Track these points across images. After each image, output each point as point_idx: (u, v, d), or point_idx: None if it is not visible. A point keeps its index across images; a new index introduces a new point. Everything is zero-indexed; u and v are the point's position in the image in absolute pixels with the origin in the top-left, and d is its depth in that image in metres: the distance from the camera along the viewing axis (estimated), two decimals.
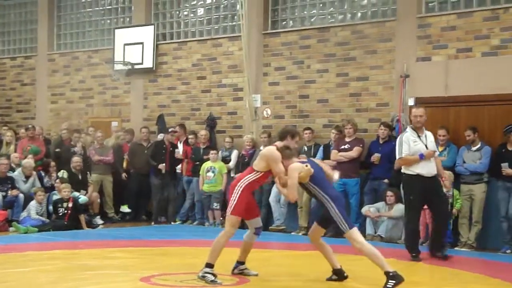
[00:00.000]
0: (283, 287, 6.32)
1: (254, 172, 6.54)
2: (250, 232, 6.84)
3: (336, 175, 6.85)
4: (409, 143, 8.25)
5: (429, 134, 8.41)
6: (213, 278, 6.35)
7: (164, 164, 12.13)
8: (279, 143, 6.64)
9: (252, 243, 6.86)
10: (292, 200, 6.70)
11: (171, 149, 12.28)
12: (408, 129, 8.44)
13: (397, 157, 8.39)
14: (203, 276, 6.35)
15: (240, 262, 6.88)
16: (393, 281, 6.08)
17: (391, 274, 6.11)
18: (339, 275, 6.66)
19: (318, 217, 6.84)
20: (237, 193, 6.47)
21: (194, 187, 12.23)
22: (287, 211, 11.23)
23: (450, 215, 8.98)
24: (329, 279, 6.68)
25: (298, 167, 6.33)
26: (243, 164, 11.58)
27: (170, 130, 12.44)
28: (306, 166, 6.36)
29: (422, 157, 8.15)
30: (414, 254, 8.31)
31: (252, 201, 6.75)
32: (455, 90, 10.45)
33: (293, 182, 6.32)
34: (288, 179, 6.34)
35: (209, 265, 6.43)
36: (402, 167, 8.40)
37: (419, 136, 8.27)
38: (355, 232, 6.31)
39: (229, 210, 6.56)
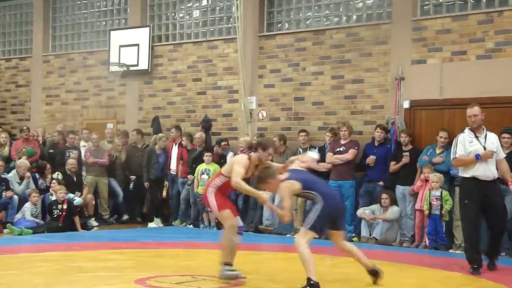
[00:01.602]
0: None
1: (221, 176, 6.67)
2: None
3: (314, 155, 7.02)
4: (464, 144, 7.74)
5: (490, 135, 7.83)
6: (235, 273, 6.50)
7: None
8: (253, 154, 6.65)
9: (236, 243, 6.81)
10: (286, 222, 6.63)
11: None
12: (466, 130, 7.93)
13: (451, 157, 8.02)
14: (225, 275, 6.33)
15: (228, 263, 6.79)
16: None
17: (312, 282, 6.00)
18: (374, 274, 6.59)
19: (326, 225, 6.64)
20: (211, 196, 6.63)
21: (189, 189, 12.23)
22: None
23: (505, 224, 8.17)
24: (374, 282, 6.61)
25: (288, 186, 6.31)
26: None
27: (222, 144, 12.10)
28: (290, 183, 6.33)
29: (478, 157, 7.59)
30: (475, 266, 7.63)
31: (227, 203, 6.76)
32: (450, 93, 10.48)
33: (287, 203, 6.31)
34: (283, 201, 6.37)
35: (227, 263, 6.56)
36: (459, 169, 8.00)
37: (476, 137, 7.75)
38: (308, 233, 6.21)
39: (215, 211, 6.70)
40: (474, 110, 7.82)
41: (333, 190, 7.50)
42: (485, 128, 7.86)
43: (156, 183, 12.41)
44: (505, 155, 7.98)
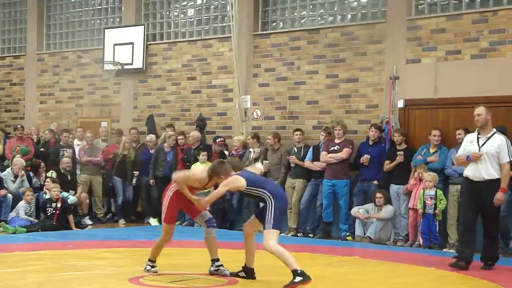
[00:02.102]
0: (273, 285, 6.31)
1: None
2: (204, 228, 6.92)
3: (261, 166, 7.34)
4: (466, 143, 7.97)
5: (495, 138, 7.82)
6: (149, 268, 6.86)
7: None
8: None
9: (213, 237, 6.89)
10: (200, 209, 6.84)
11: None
12: (477, 130, 8.01)
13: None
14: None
15: (214, 260, 6.90)
16: (301, 278, 6.11)
17: (299, 271, 6.14)
18: (248, 274, 6.74)
19: (258, 211, 6.84)
20: (166, 201, 6.80)
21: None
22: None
23: (495, 229, 8.11)
24: (234, 274, 6.74)
25: (232, 181, 6.50)
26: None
27: (218, 140, 12.09)
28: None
29: (468, 158, 7.79)
30: (456, 258, 7.90)
31: (188, 204, 6.81)
32: (444, 92, 10.50)
33: (216, 194, 6.60)
34: (215, 190, 6.65)
35: (151, 260, 6.91)
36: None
37: (478, 137, 7.87)
38: (273, 233, 6.33)
39: (162, 217, 6.92)
40: (478, 109, 7.90)
41: (281, 189, 7.56)
42: (494, 130, 7.89)
43: (163, 182, 12.23)
44: (509, 159, 7.78)
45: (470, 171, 7.86)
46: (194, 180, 6.69)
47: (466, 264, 7.84)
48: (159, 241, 6.97)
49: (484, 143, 7.83)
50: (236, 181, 6.48)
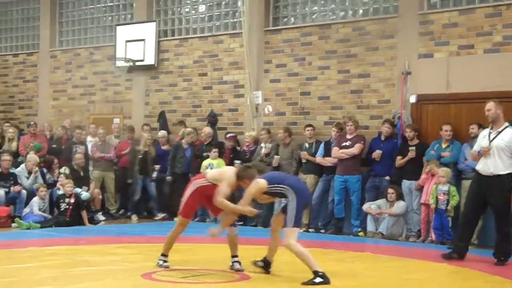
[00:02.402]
0: (284, 284, 6.32)
1: (204, 179, 6.80)
2: (227, 228, 6.90)
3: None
4: (480, 138, 8.06)
5: (507, 131, 7.84)
6: (161, 263, 6.89)
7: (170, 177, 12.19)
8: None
9: (234, 235, 6.91)
10: (249, 213, 6.81)
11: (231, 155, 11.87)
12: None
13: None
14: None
15: (233, 256, 6.94)
16: (321, 279, 6.16)
17: (320, 273, 6.20)
18: (265, 266, 6.78)
19: (283, 206, 6.82)
20: (187, 195, 6.80)
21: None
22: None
23: (505, 224, 7.97)
24: (254, 262, 6.80)
25: (253, 186, 6.52)
26: (244, 160, 11.62)
27: (229, 136, 12.04)
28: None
29: (478, 153, 7.91)
30: (449, 249, 8.08)
31: (209, 201, 6.77)
32: (456, 87, 10.45)
33: (246, 200, 6.56)
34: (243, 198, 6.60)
35: (164, 255, 6.96)
36: None
37: (490, 132, 7.93)
38: (294, 231, 6.38)
39: (179, 210, 6.90)
40: (488, 105, 7.97)
41: (302, 182, 7.58)
42: (506, 124, 7.92)
43: (181, 178, 12.03)
44: None
45: (480, 165, 7.95)
46: (228, 187, 6.62)
47: (459, 256, 7.96)
48: (171, 233, 7.02)
49: (495, 137, 7.85)
50: (256, 185, 6.51)
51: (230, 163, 11.19)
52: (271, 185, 6.53)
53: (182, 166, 12.17)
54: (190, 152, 12.25)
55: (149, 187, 12.64)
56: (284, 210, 6.65)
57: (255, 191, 6.55)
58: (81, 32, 15.23)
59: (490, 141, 7.85)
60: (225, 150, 11.94)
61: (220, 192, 6.56)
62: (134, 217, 12.58)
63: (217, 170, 7.04)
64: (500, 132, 7.87)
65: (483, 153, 7.86)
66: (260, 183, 6.52)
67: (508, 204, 7.96)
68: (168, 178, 12.35)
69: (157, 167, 12.52)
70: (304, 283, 6.20)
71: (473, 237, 9.63)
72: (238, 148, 12.10)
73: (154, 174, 12.55)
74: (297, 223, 6.42)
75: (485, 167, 7.88)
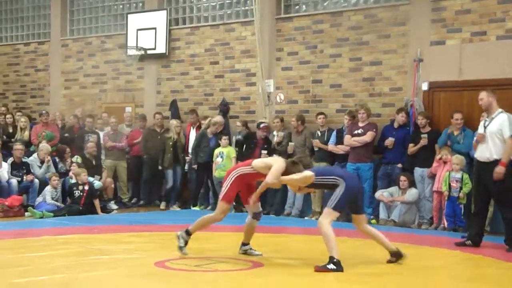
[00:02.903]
0: (297, 272, 6.34)
1: (250, 167, 6.76)
2: (249, 217, 6.98)
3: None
4: (479, 128, 8.26)
5: (499, 117, 7.99)
6: (182, 245, 6.81)
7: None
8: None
9: (253, 227, 7.00)
10: (268, 180, 6.66)
11: (265, 146, 11.62)
12: None
13: None
14: (178, 237, 6.74)
15: (244, 244, 7.05)
16: (334, 266, 6.21)
17: (335, 260, 6.24)
18: (396, 256, 6.73)
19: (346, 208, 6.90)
20: (230, 180, 6.75)
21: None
22: (302, 196, 11.24)
23: (506, 209, 8.03)
24: (389, 261, 6.75)
25: (300, 177, 6.54)
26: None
27: (262, 126, 11.72)
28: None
29: (476, 141, 8.15)
30: (467, 242, 8.09)
31: (247, 189, 6.85)
32: (469, 74, 10.38)
33: (276, 168, 6.54)
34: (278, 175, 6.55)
35: (188, 232, 6.86)
36: None
37: (486, 120, 8.16)
38: (332, 213, 6.46)
39: (220, 195, 6.82)
40: (481, 94, 8.19)
41: (350, 172, 7.63)
42: (500, 110, 8.03)
43: (204, 167, 12.08)
44: (510, 135, 7.83)
45: (477, 153, 8.15)
46: (279, 172, 6.60)
47: (474, 244, 8.03)
48: (210, 217, 6.87)
49: (489, 124, 8.03)
50: (304, 175, 6.52)
51: (260, 154, 11.14)
52: (320, 177, 6.57)
53: (205, 156, 12.03)
54: (214, 141, 12.09)
55: (177, 176, 12.58)
56: (350, 209, 6.74)
57: (301, 181, 6.56)
58: (92, 20, 15.24)
59: (485, 128, 8.02)
60: (258, 141, 11.83)
61: (274, 170, 6.50)
62: (163, 205, 12.55)
63: (264, 159, 6.95)
64: (493, 118, 8.03)
65: (478, 140, 8.06)
66: (308, 175, 6.54)
67: (507, 190, 7.96)
68: (194, 167, 12.22)
69: (187, 158, 12.45)
70: (317, 267, 6.25)
71: (485, 224, 9.62)
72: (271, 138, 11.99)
73: (186, 167, 12.50)
74: (337, 208, 6.45)
75: (482, 153, 8.05)
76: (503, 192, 7.96)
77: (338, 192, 6.47)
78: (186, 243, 6.87)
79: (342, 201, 6.46)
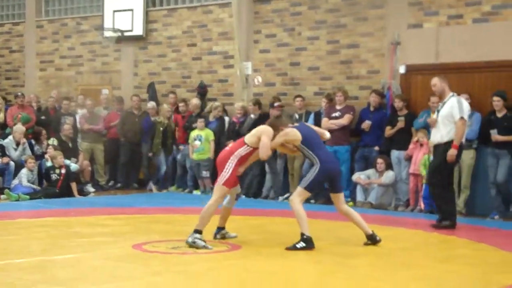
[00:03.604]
0: (275, 253, 6.38)
1: (245, 146, 6.71)
2: (230, 199, 6.98)
3: (326, 134, 7.20)
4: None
5: (451, 100, 8.22)
6: (204, 243, 6.49)
7: None
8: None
9: (231, 209, 7.03)
10: (263, 157, 6.74)
11: None
12: None
13: None
14: (193, 242, 6.48)
15: (221, 228, 7.04)
16: (304, 244, 6.40)
17: (305, 237, 6.43)
18: (372, 239, 6.81)
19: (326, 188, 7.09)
20: (231, 165, 6.64)
21: (185, 155, 12.24)
22: (280, 179, 11.28)
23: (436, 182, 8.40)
24: (366, 244, 6.83)
25: (289, 133, 6.70)
26: (233, 131, 11.61)
27: (276, 105, 11.28)
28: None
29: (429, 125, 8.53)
30: (444, 222, 8.25)
31: (235, 180, 6.82)
32: (446, 57, 10.44)
33: (273, 142, 6.66)
34: (271, 141, 6.63)
35: (198, 231, 6.57)
36: None
37: (439, 104, 8.45)
38: (304, 192, 6.62)
39: (221, 180, 6.66)
40: (433, 80, 8.44)
41: (332, 156, 7.67)
42: (451, 94, 8.29)
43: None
44: (460, 116, 8.10)
45: (432, 136, 8.50)
46: (269, 139, 6.65)
47: (451, 225, 8.20)
48: (211, 206, 6.62)
49: (441, 108, 8.29)
50: (292, 132, 6.69)
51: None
52: (304, 147, 6.68)
53: None
54: (215, 125, 11.86)
55: (167, 162, 12.40)
56: (330, 189, 6.80)
57: (288, 139, 6.67)
58: (68, 1, 15.03)
59: (438, 113, 8.29)
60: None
61: (263, 146, 6.54)
62: (155, 188, 12.43)
63: (253, 133, 6.81)
64: (445, 102, 8.26)
65: (430, 123, 8.48)
66: (297, 134, 6.67)
67: (444, 169, 8.21)
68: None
69: (181, 147, 12.23)
70: (287, 248, 6.38)
71: (461, 206, 9.77)
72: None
73: (179, 156, 12.26)
74: (308, 188, 6.59)
75: (434, 137, 8.39)
76: (441, 169, 8.21)
77: (312, 172, 6.61)
78: (204, 241, 6.54)
79: (314, 182, 6.59)
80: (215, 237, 6.96)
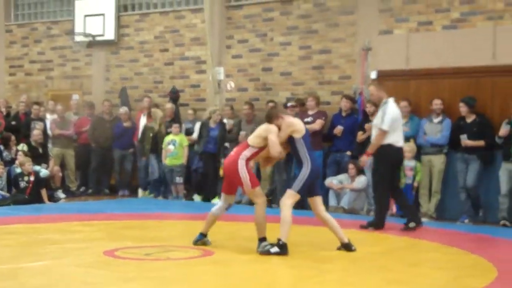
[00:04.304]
0: (248, 259, 6.37)
1: (250, 148, 6.68)
2: (222, 206, 6.92)
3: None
4: None
5: (381, 110, 8.50)
6: (275, 249, 6.43)
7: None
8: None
9: (218, 217, 6.97)
10: (275, 155, 6.69)
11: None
12: None
13: None
14: (268, 251, 6.42)
15: (204, 235, 6.94)
16: (278, 249, 6.38)
17: (281, 243, 6.40)
18: (347, 248, 6.78)
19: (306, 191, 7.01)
20: (243, 169, 6.57)
21: (158, 161, 12.17)
22: None
23: (375, 191, 8.87)
24: (339, 248, 6.84)
25: (296, 123, 6.72)
26: (211, 137, 11.52)
27: (289, 105, 10.83)
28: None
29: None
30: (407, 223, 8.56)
31: (256, 178, 6.80)
32: (416, 63, 10.56)
33: (280, 138, 6.59)
34: (275, 136, 6.56)
35: (264, 239, 6.55)
36: None
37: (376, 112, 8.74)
38: (294, 196, 6.59)
39: (247, 187, 6.58)
40: (370, 89, 8.81)
41: (317, 159, 7.80)
42: (384, 101, 8.48)
43: (210, 159, 11.51)
44: (382, 127, 8.27)
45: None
46: (276, 136, 6.62)
47: (417, 224, 8.51)
48: (261, 208, 6.57)
49: (377, 116, 8.58)
50: (296, 121, 6.72)
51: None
52: (301, 145, 6.61)
53: (211, 145, 11.49)
54: (217, 131, 11.54)
55: (160, 168, 12.07)
56: (309, 193, 6.73)
57: (294, 129, 6.60)
58: (38, 6, 14.88)
59: (371, 120, 8.68)
60: None
61: (273, 145, 6.51)
62: (141, 192, 12.31)
63: (256, 134, 6.77)
64: (380, 110, 8.52)
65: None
66: (301, 125, 6.70)
67: (377, 175, 8.51)
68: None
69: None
70: (260, 251, 6.39)
71: (432, 210, 9.88)
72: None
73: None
74: (300, 191, 6.58)
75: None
76: (375, 176, 8.64)
77: (303, 175, 6.54)
78: (271, 245, 6.50)
79: (306, 185, 6.57)
80: (195, 243, 6.86)
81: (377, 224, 8.49)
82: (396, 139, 8.38)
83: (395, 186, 8.63)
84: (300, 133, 6.62)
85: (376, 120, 8.49)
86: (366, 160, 8.52)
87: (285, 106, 11.26)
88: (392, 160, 8.41)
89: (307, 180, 6.55)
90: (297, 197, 6.61)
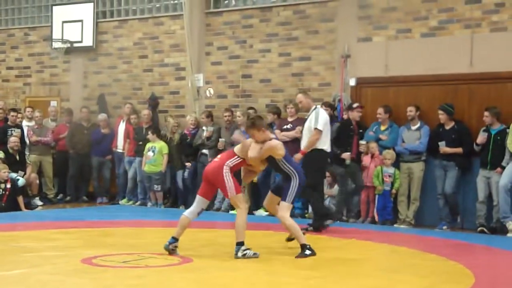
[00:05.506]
0: (227, 266, 6.34)
1: (236, 157, 6.80)
2: (194, 211, 6.88)
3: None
4: None
5: (311, 114, 8.77)
6: (252, 252, 6.66)
7: (348, 154, 9.90)
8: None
9: (191, 221, 6.92)
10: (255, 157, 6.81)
11: (360, 130, 10.40)
12: None
13: None
14: (244, 255, 6.61)
15: (176, 239, 6.84)
16: (310, 251, 6.81)
17: (307, 246, 6.85)
18: (290, 240, 7.34)
19: (273, 187, 7.48)
20: (227, 176, 6.70)
21: (136, 167, 12.11)
22: None
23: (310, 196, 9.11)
24: (288, 239, 7.37)
25: (277, 146, 6.81)
26: (186, 144, 11.54)
27: (355, 106, 10.33)
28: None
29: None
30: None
31: (239, 185, 6.86)
32: (394, 70, 10.64)
33: (259, 156, 6.78)
34: (257, 154, 6.74)
35: (241, 243, 6.69)
36: None
37: (306, 119, 8.95)
38: (289, 207, 7.00)
39: (231, 192, 6.70)
40: (297, 97, 9.03)
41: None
42: (313, 107, 8.81)
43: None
44: (315, 127, 8.59)
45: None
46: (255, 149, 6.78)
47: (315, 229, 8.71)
48: (242, 215, 6.71)
49: (306, 121, 8.82)
50: (279, 146, 6.83)
51: (358, 145, 10.46)
52: (285, 162, 6.86)
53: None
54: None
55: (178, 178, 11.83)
56: (276, 190, 7.15)
57: (278, 152, 6.75)
58: (15, 11, 14.75)
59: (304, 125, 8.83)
60: (353, 127, 10.94)
61: (251, 153, 6.71)
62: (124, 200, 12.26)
63: (241, 144, 6.94)
64: (309, 116, 8.77)
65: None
66: (283, 148, 6.84)
67: (314, 178, 8.57)
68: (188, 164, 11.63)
69: (188, 165, 11.64)
70: (297, 256, 6.73)
71: (410, 217, 9.93)
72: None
73: (186, 174, 11.68)
74: (293, 201, 6.99)
75: (301, 147, 8.83)
76: (311, 180, 8.41)
77: (293, 186, 6.86)
78: (249, 249, 6.68)
79: (296, 195, 6.97)
80: (167, 248, 6.80)
81: (317, 227, 8.71)
82: (327, 144, 8.74)
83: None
84: (281, 155, 6.83)
85: (308, 123, 8.75)
86: (299, 158, 8.63)
87: (350, 108, 10.51)
88: (322, 164, 8.85)
89: (298, 190, 6.94)
90: (290, 207, 7.03)
